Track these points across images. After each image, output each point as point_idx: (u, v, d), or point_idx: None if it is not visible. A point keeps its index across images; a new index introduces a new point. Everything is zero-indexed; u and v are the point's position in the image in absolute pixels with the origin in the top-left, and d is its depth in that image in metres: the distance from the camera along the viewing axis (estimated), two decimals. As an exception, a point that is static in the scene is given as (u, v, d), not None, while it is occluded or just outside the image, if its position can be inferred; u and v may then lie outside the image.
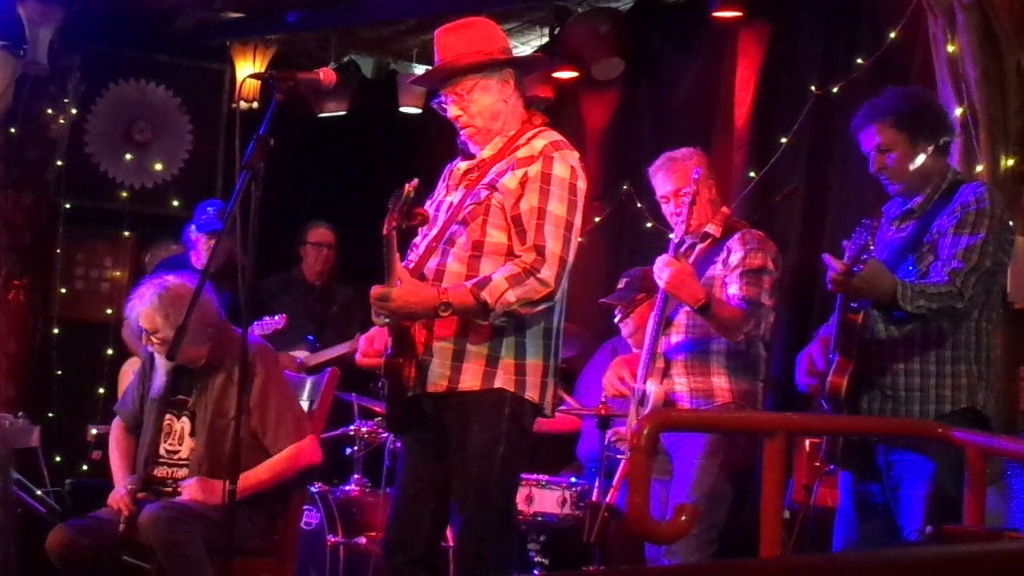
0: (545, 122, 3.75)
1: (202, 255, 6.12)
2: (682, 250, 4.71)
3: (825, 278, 3.61)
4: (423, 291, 3.51)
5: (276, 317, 6.10)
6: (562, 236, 3.55)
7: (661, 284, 4.42)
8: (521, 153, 3.63)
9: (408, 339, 3.58)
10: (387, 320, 3.57)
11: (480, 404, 3.56)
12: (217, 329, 4.46)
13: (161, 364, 4.49)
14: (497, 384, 3.56)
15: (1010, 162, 4.49)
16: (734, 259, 4.56)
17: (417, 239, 3.79)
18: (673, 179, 4.64)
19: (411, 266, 3.65)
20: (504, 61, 3.70)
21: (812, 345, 3.80)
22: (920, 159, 3.71)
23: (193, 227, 6.26)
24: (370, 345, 3.71)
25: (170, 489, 4.42)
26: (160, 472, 4.48)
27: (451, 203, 3.70)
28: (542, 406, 3.64)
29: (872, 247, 3.59)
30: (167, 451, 4.49)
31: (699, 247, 4.69)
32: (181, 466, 4.44)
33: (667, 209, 4.67)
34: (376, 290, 3.51)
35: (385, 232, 3.47)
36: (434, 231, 3.68)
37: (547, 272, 3.50)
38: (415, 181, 3.52)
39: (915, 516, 3.56)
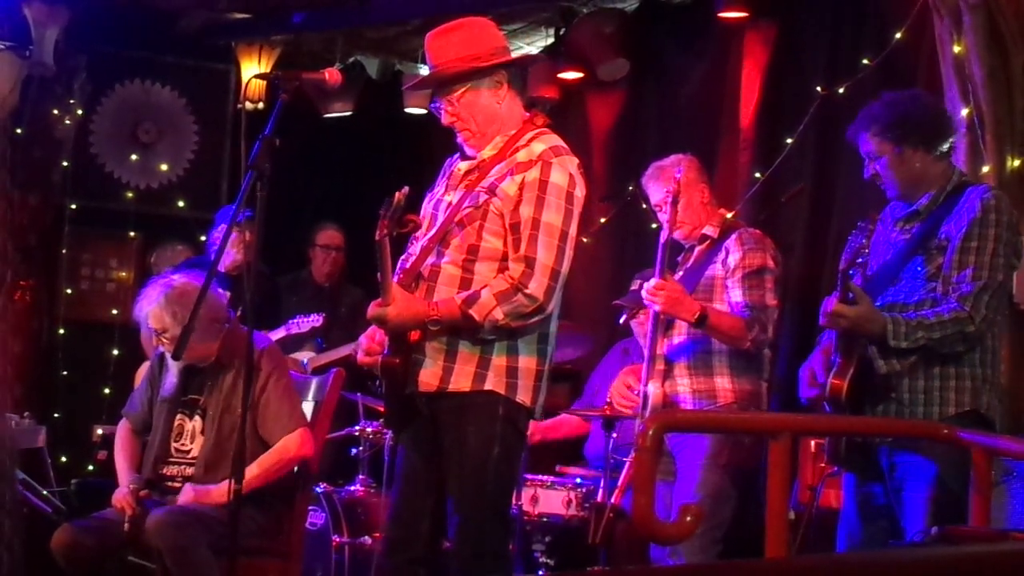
0: (546, 123, 3.72)
1: (230, 253, 5.95)
2: (680, 256, 4.73)
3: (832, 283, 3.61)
4: (414, 307, 3.52)
5: (312, 316, 6.03)
6: (555, 247, 3.54)
7: (656, 309, 4.44)
8: (520, 157, 3.60)
9: (404, 339, 3.58)
10: None
11: (472, 405, 3.56)
12: (227, 327, 4.49)
13: (173, 364, 4.50)
14: (488, 386, 3.56)
15: (1016, 163, 4.48)
16: (732, 260, 4.57)
17: (418, 233, 3.77)
18: (662, 186, 4.66)
19: (408, 264, 3.66)
20: (492, 66, 3.63)
21: (814, 357, 3.78)
22: (910, 165, 3.70)
23: (221, 228, 6.15)
24: (371, 342, 3.71)
25: (178, 484, 4.43)
26: (170, 471, 4.49)
27: (449, 203, 3.68)
28: (533, 410, 3.64)
29: (867, 251, 3.59)
30: (178, 450, 4.50)
31: (698, 249, 4.70)
32: (191, 464, 4.45)
33: (663, 217, 4.68)
34: (372, 311, 3.53)
35: (377, 238, 3.47)
36: (432, 231, 3.67)
37: (534, 285, 3.50)
38: (405, 189, 3.51)
39: (918, 518, 3.55)
